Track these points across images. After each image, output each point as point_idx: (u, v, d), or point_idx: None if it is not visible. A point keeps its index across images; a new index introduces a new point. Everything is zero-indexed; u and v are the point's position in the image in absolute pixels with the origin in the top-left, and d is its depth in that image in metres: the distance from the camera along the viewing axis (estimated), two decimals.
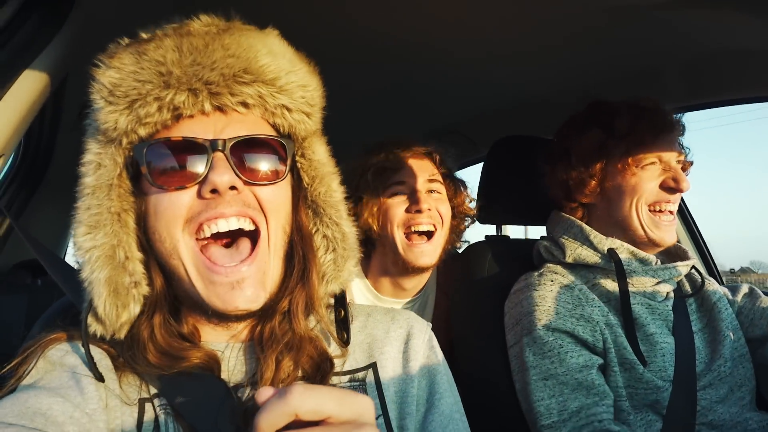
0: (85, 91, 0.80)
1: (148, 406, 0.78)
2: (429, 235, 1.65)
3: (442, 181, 1.73)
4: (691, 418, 1.35)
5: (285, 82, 0.84)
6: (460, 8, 1.40)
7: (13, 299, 2.00)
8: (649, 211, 1.48)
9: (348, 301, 0.95)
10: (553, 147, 1.65)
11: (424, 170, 1.69)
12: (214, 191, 0.78)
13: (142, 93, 0.77)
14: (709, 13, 1.34)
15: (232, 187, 0.78)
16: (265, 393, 0.47)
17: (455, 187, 1.78)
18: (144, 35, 0.81)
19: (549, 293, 1.44)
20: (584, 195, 1.55)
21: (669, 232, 1.48)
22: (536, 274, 1.53)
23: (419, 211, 1.62)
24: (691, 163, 1.56)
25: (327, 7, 1.36)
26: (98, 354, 0.80)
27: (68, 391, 0.73)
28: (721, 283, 2.01)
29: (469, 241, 1.88)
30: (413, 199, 1.63)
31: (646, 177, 1.47)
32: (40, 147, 2.12)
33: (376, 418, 0.83)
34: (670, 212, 1.49)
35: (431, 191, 1.69)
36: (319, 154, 0.94)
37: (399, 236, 1.64)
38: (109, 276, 0.79)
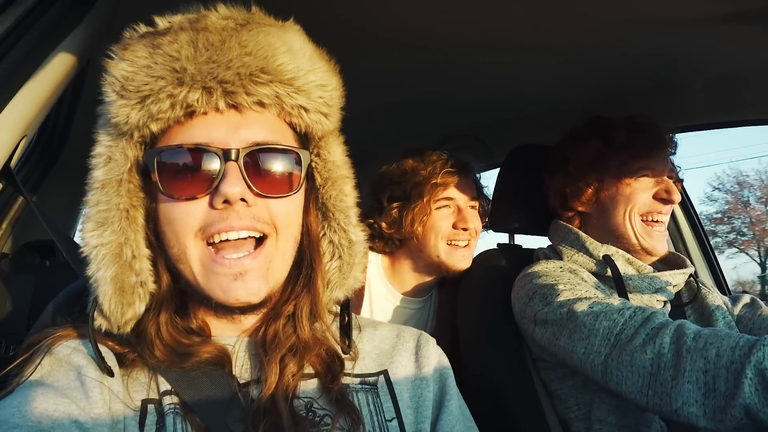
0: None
1: (150, 407, 0.77)
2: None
3: (478, 199, 1.90)
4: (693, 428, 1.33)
5: (303, 82, 0.81)
6: (484, 14, 1.38)
7: (22, 279, 2.00)
8: (642, 220, 1.53)
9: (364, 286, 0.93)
10: (552, 156, 1.70)
11: (469, 190, 1.85)
12: (225, 201, 0.76)
13: (155, 89, 0.75)
14: (737, 30, 1.32)
15: (243, 199, 0.77)
16: None
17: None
18: (160, 23, 0.79)
19: (556, 270, 1.49)
20: (580, 203, 1.61)
21: (660, 241, 1.54)
22: (539, 261, 1.58)
23: (465, 229, 1.78)
24: (682, 180, 1.63)
25: (346, 9, 1.34)
26: (103, 353, 0.78)
27: (74, 392, 0.72)
28: (727, 293, 1.98)
29: None
30: (460, 217, 1.81)
31: (639, 188, 1.52)
32: (56, 127, 2.12)
33: (390, 421, 0.82)
34: (662, 222, 1.54)
35: (472, 207, 1.86)
36: (334, 155, 0.91)
37: (442, 246, 1.79)
38: (115, 274, 0.77)
